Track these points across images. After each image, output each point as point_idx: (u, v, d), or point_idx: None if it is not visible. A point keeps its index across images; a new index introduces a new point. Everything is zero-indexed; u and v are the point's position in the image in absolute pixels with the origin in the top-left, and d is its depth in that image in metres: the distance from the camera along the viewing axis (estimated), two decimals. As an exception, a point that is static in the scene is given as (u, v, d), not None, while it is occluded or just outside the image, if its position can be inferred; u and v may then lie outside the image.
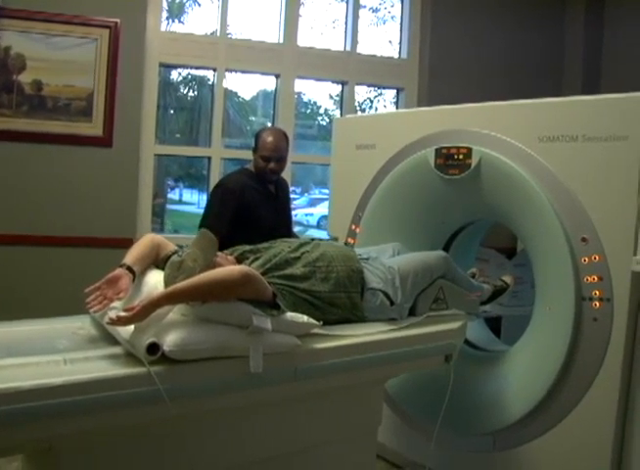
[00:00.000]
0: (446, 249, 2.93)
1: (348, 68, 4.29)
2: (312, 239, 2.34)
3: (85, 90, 3.60)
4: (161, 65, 3.91)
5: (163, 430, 1.70)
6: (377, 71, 4.35)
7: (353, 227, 3.08)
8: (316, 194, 6.68)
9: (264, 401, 1.87)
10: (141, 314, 1.65)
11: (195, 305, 1.75)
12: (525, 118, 2.57)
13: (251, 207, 2.93)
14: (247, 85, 4.97)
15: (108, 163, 3.66)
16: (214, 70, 4.03)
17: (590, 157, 2.35)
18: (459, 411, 2.51)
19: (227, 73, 4.10)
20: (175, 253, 1.96)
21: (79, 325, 1.98)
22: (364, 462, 2.23)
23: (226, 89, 4.17)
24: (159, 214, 4.48)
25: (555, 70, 4.61)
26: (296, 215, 6.51)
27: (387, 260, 2.40)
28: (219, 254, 2.02)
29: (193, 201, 5.12)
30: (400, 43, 4.48)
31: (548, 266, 2.48)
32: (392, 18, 4.59)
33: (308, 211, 6.85)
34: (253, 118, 4.96)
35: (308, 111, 5.26)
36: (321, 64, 4.22)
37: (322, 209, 5.87)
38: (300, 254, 2.15)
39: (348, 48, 4.34)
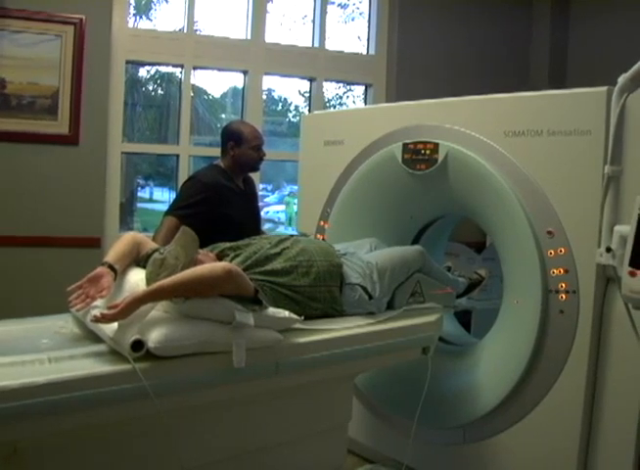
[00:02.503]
0: (415, 244, 2.93)
1: (317, 64, 4.28)
2: (291, 235, 2.37)
3: (50, 88, 3.54)
4: (128, 62, 3.86)
5: (135, 430, 1.72)
6: (345, 68, 4.36)
7: (322, 223, 3.09)
8: (287, 191, 6.67)
9: (247, 396, 1.90)
10: (125, 312, 1.67)
11: (178, 302, 1.76)
12: (491, 113, 2.58)
13: (221, 203, 2.93)
14: (216, 82, 4.94)
15: (74, 161, 3.61)
16: (181, 66, 3.99)
17: (555, 151, 2.37)
18: (429, 405, 2.52)
19: (197, 71, 4.06)
20: (156, 251, 1.98)
21: (61, 324, 1.99)
22: (334, 457, 2.23)
23: (194, 86, 4.15)
24: (128, 213, 4.44)
25: (522, 66, 4.66)
26: (267, 213, 6.50)
27: (364, 256, 2.43)
28: (200, 251, 2.04)
29: (163, 199, 5.06)
30: (368, 39, 4.48)
31: (515, 260, 2.50)
32: (361, 14, 4.60)
33: (279, 208, 6.84)
34: (223, 116, 4.93)
35: (279, 107, 5.25)
36: (289, 60, 4.21)
37: (293, 206, 5.86)
38: (281, 249, 2.18)
39: (317, 44, 4.33)
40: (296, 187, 3.85)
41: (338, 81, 4.67)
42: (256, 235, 2.63)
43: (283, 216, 6.57)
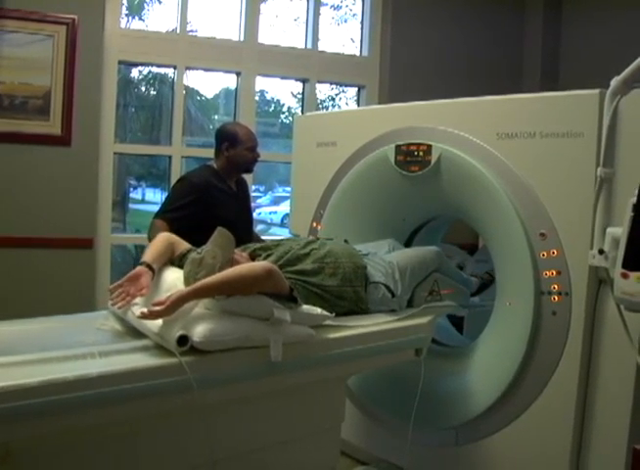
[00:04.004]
0: (407, 245, 2.94)
1: (310, 65, 4.28)
2: (317, 238, 2.48)
3: (42, 88, 3.52)
4: (121, 62, 3.84)
5: (132, 431, 1.72)
6: (338, 69, 4.35)
7: (315, 225, 3.08)
8: (280, 192, 6.67)
9: (281, 389, 1.99)
10: (171, 309, 1.75)
11: (220, 299, 1.84)
12: (484, 115, 2.59)
13: (212, 204, 2.93)
14: (209, 83, 4.94)
15: (66, 162, 3.59)
16: (174, 67, 3.98)
17: (548, 153, 2.38)
18: (422, 406, 2.52)
19: (189, 72, 4.05)
20: (190, 251, 2.10)
21: (101, 321, 2.06)
22: (327, 459, 2.23)
23: (187, 87, 4.14)
24: (120, 214, 4.42)
25: (514, 68, 4.66)
26: (259, 214, 6.49)
27: (385, 256, 2.53)
28: (235, 251, 2.10)
29: (155, 200, 5.05)
30: (361, 41, 4.48)
31: (508, 262, 2.51)
32: (354, 16, 4.60)
33: (272, 210, 6.84)
34: (216, 117, 4.92)
35: (271, 109, 5.24)
36: (282, 61, 4.20)
37: (286, 207, 5.86)
38: (309, 250, 2.27)
39: (310, 46, 4.33)
40: (288, 188, 3.85)
41: (330, 83, 4.68)
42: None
43: (275, 217, 6.58)
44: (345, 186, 2.94)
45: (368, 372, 2.69)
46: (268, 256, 2.23)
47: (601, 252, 2.17)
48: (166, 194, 3.26)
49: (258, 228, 5.12)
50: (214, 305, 1.85)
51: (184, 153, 4.06)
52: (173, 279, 2.01)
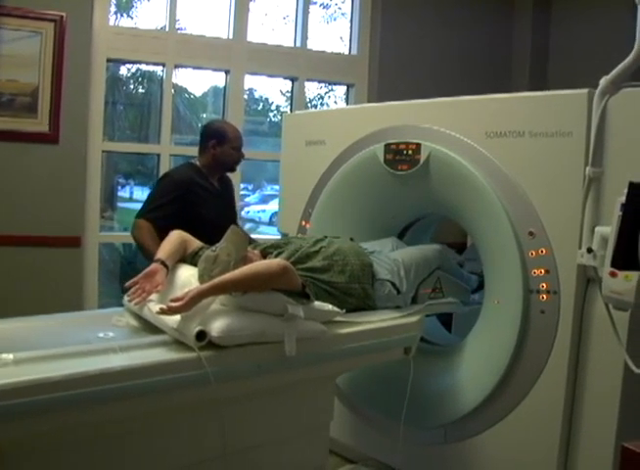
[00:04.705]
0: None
1: (299, 64, 4.26)
2: (325, 237, 2.50)
3: (30, 85, 3.49)
4: (109, 60, 3.81)
5: (122, 431, 1.74)
6: (327, 68, 4.34)
7: (304, 223, 3.08)
8: (268, 190, 6.64)
9: (293, 383, 2.07)
10: (190, 304, 1.80)
11: (237, 296, 1.91)
12: (473, 114, 2.59)
13: (195, 202, 2.92)
14: (197, 81, 4.91)
15: (54, 159, 3.56)
16: (163, 65, 3.96)
17: (537, 152, 2.38)
18: (410, 404, 2.52)
19: (177, 69, 4.03)
20: (201, 248, 2.20)
21: (116, 317, 2.11)
22: (316, 457, 2.25)
23: (176, 85, 4.11)
24: (108, 212, 4.39)
25: (503, 67, 4.67)
26: (248, 212, 6.47)
27: (390, 253, 2.60)
28: (248, 248, 2.17)
29: (143, 198, 4.97)
30: (350, 40, 4.47)
31: (496, 260, 2.51)
32: (343, 14, 4.59)
33: (260, 208, 6.81)
34: (204, 115, 4.90)
35: (260, 107, 5.22)
36: (271, 60, 4.19)
37: (274, 205, 5.83)
38: (319, 248, 2.34)
39: (299, 44, 4.31)
40: (276, 187, 3.84)
41: (319, 81, 4.65)
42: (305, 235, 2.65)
43: (264, 216, 6.55)
44: (334, 185, 2.94)
45: (357, 371, 2.69)
46: (279, 253, 2.28)
47: (589, 250, 2.17)
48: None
49: (246, 227, 5.10)
50: (230, 301, 1.92)
51: (172, 151, 4.04)
52: (187, 276, 2.09)
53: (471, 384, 2.54)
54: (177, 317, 1.82)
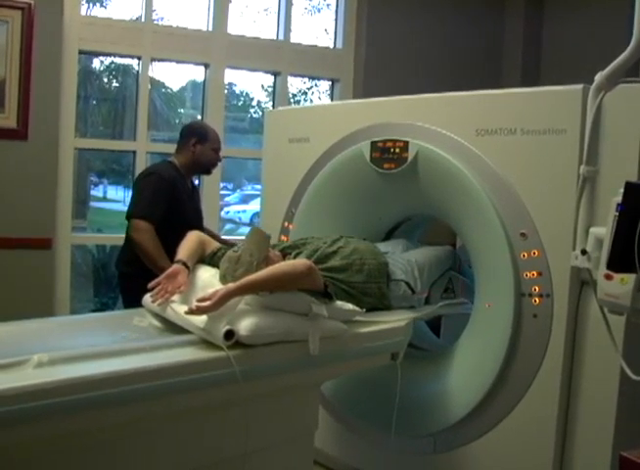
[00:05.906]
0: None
1: (281, 58, 4.19)
2: (341, 236, 2.55)
3: (-4, 78, 3.38)
4: (81, 52, 3.71)
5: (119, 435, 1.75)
6: (311, 62, 4.27)
7: (286, 224, 3.04)
8: (249, 190, 6.60)
9: (317, 382, 2.21)
10: (218, 304, 1.84)
11: (264, 295, 1.96)
12: (463, 111, 2.56)
13: (179, 201, 2.93)
14: (175, 76, 4.84)
15: (23, 157, 3.47)
16: (139, 58, 3.87)
17: (529, 150, 2.36)
18: (398, 413, 2.47)
19: (154, 63, 3.95)
20: (219, 249, 2.28)
21: (138, 318, 2.15)
22: (301, 468, 2.24)
23: (152, 79, 4.03)
24: (81, 213, 4.29)
25: (494, 62, 4.65)
26: (227, 213, 6.41)
27: (403, 254, 2.67)
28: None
29: (118, 198, 4.94)
30: (335, 33, 4.41)
31: (487, 262, 2.49)
32: (328, 6, 4.53)
33: (241, 208, 6.77)
34: (182, 110, 4.82)
35: (240, 103, 5.16)
36: (252, 53, 4.11)
37: (255, 205, 5.79)
38: (337, 248, 2.41)
39: (281, 37, 4.25)
40: (257, 186, 3.79)
41: (303, 76, 4.60)
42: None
43: (244, 217, 6.50)
44: (319, 184, 2.90)
45: (342, 378, 2.65)
46: (298, 254, 2.36)
47: (584, 252, 2.13)
48: (130, 191, 3.15)
49: (226, 228, 5.04)
50: (254, 300, 1.96)
51: (149, 148, 3.96)
52: (208, 276, 2.16)
53: (461, 391, 2.51)
54: (204, 317, 1.87)
